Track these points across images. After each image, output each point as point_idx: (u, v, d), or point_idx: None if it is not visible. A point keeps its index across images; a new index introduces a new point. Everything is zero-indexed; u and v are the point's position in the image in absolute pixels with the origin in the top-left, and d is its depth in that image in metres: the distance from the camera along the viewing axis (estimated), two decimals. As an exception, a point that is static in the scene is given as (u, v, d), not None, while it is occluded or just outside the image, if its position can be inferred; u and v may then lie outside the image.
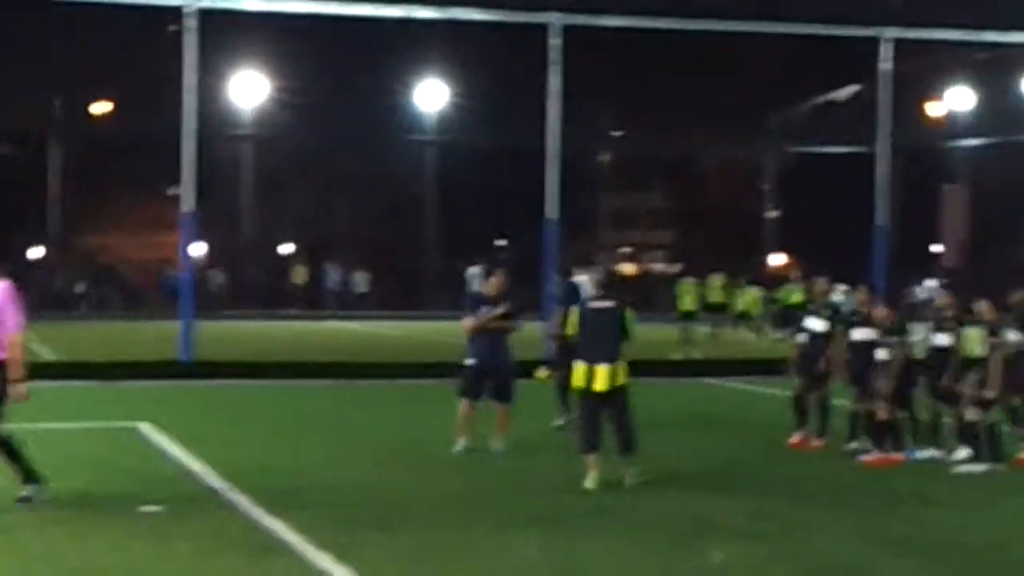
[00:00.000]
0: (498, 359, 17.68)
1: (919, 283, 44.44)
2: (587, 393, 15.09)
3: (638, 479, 14.99)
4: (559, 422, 19.27)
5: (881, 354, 17.09)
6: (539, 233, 33.23)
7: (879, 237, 34.57)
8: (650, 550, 11.85)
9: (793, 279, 41.94)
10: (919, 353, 17.37)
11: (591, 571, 11.12)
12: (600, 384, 14.95)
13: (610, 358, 15.04)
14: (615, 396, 15.11)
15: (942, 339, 17.38)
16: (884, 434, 16.97)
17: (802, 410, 18.42)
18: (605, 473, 14.90)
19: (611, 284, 16.81)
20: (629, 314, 15.36)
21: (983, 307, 16.96)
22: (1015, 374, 16.65)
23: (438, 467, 16.46)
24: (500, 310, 17.59)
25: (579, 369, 15.12)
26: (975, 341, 16.89)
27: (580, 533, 12.52)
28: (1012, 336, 16.79)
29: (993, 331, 16.71)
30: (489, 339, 17.65)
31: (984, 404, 16.52)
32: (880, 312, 17.37)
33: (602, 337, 15.16)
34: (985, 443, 16.52)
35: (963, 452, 16.83)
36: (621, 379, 15.08)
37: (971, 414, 16.65)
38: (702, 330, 42.02)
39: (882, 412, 16.93)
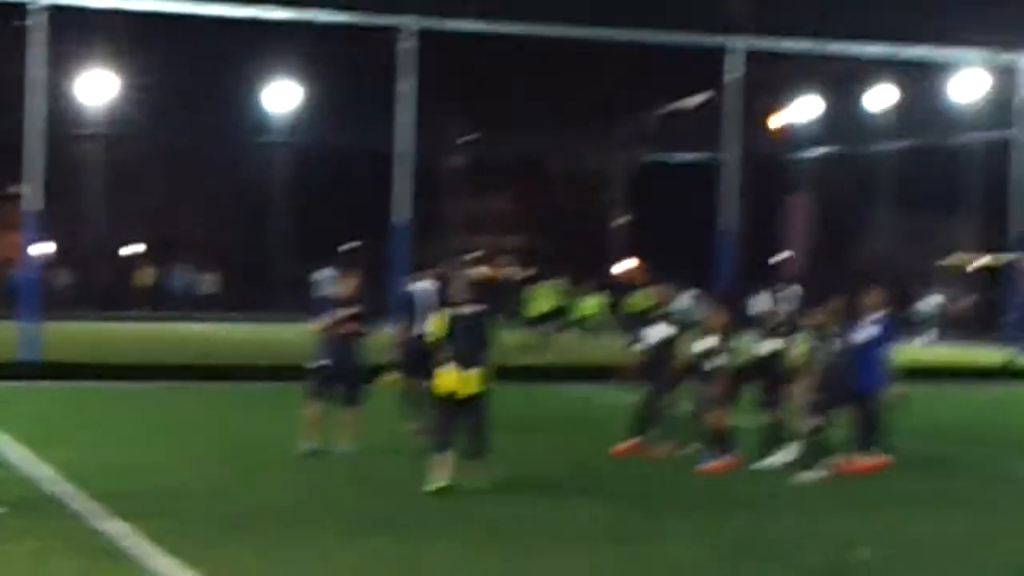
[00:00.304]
0: (348, 362, 17.67)
1: (760, 292, 45.12)
2: (450, 398, 15.13)
3: (485, 482, 15.06)
4: (413, 426, 19.06)
5: (715, 361, 17.33)
6: (387, 236, 33.23)
7: (726, 244, 35.04)
8: (500, 555, 11.91)
9: (640, 285, 42.28)
10: (747, 361, 17.69)
11: (444, 572, 11.15)
12: (469, 389, 15.04)
13: (478, 363, 15.12)
14: (477, 401, 15.19)
15: (768, 346, 17.73)
16: (719, 440, 17.20)
17: (643, 417, 18.45)
18: (455, 478, 14.95)
19: (480, 289, 16.85)
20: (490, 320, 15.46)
21: (815, 315, 17.26)
22: (835, 381, 16.95)
23: (286, 470, 16.41)
24: (349, 312, 17.60)
25: (450, 374, 15.13)
26: (802, 348, 17.21)
27: (431, 538, 12.55)
28: (836, 344, 17.08)
29: (821, 338, 17.00)
30: (340, 341, 17.65)
31: (810, 410, 16.80)
32: (713, 319, 17.61)
33: (473, 342, 15.22)
34: (812, 449, 16.78)
35: (786, 456, 17.14)
36: (483, 384, 15.19)
37: (797, 421, 16.96)
38: (550, 335, 42.21)
39: (714, 418, 17.18)
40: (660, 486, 16.02)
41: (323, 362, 17.71)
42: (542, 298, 41.89)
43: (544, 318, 42.81)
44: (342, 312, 17.66)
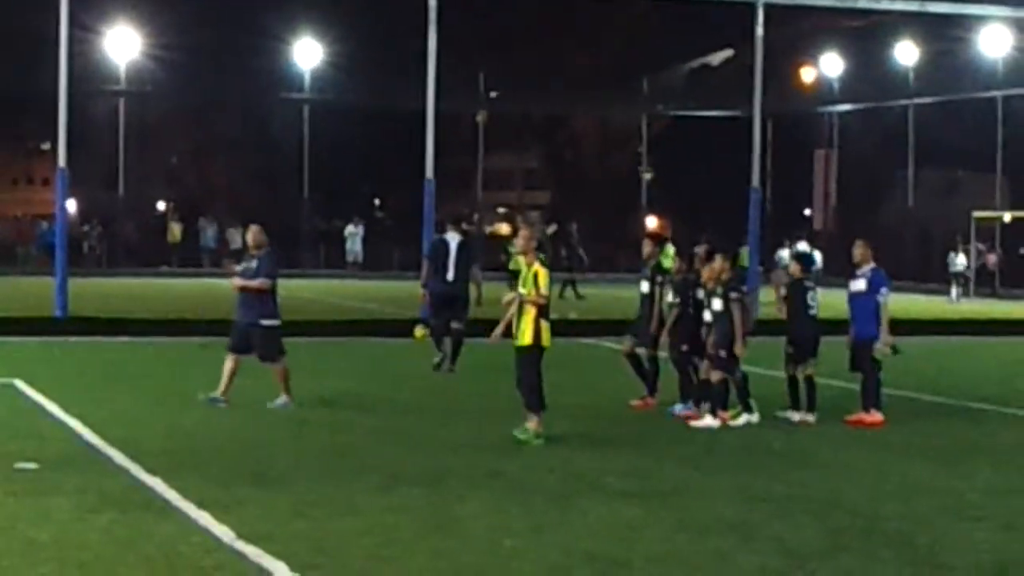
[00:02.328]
0: (247, 318, 17.52)
1: (789, 244, 45.14)
2: (542, 351, 15.45)
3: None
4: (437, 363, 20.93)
5: (708, 315, 17.54)
6: (415, 193, 33.25)
7: (754, 199, 34.98)
8: (529, 508, 11.99)
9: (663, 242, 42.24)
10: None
11: (473, 528, 11.23)
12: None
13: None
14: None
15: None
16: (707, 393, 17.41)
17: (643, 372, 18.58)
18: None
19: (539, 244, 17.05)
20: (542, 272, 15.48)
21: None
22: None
23: (319, 425, 16.49)
24: (241, 267, 17.51)
25: (547, 328, 15.39)
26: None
27: (463, 492, 12.62)
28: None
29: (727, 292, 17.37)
30: (242, 297, 17.53)
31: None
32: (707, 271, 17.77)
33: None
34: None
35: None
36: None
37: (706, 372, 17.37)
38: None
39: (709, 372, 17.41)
40: (692, 439, 16.08)
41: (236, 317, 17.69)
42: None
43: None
44: (236, 267, 17.59)
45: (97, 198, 67.67)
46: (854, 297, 18.03)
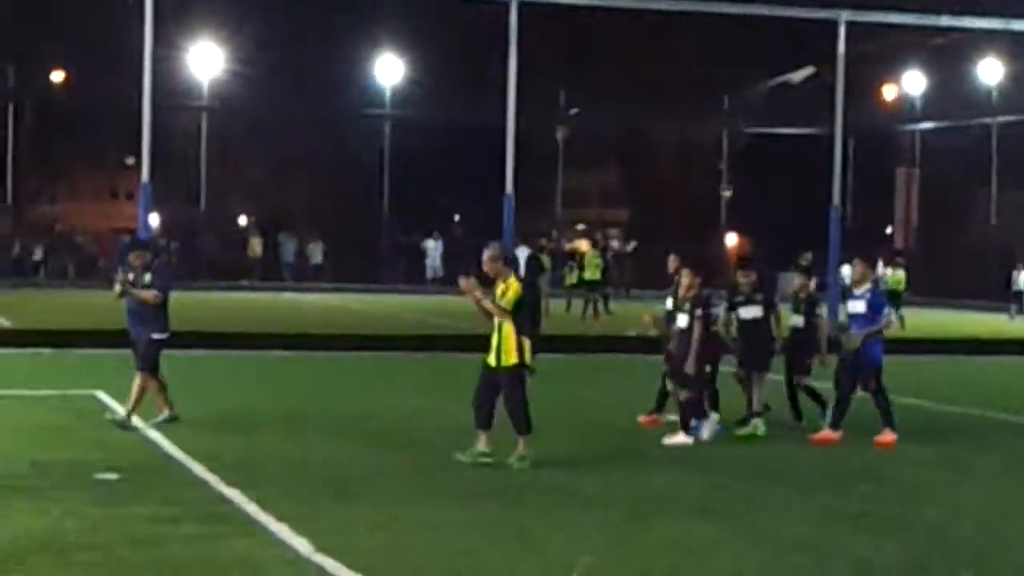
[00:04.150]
0: (136, 328, 17.17)
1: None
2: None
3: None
4: None
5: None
6: (494, 209, 33.33)
7: (834, 218, 34.81)
8: (606, 525, 11.99)
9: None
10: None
11: (549, 545, 11.23)
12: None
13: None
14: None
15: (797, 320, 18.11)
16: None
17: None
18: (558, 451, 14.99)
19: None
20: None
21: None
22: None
23: (398, 442, 16.52)
24: (131, 277, 16.99)
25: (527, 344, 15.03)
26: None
27: (537, 508, 12.65)
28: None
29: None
30: (135, 307, 17.11)
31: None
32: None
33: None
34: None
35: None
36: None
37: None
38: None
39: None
40: (764, 457, 16.00)
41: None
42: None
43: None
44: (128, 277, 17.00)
45: (179, 212, 68.28)
46: (854, 319, 17.34)
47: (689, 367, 16.69)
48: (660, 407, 18.08)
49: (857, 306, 17.28)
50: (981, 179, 66.09)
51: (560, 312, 39.24)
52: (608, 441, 16.75)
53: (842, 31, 34.95)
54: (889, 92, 70.58)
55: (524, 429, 14.84)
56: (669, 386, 17.34)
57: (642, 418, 18.19)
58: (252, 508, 12.15)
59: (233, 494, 12.73)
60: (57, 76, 68.84)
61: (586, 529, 11.78)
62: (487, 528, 11.72)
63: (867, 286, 17.51)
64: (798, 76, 69.81)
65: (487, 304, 14.78)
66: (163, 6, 31.12)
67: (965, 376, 28.15)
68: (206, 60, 64.93)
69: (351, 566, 10.18)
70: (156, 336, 17.06)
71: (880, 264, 44.45)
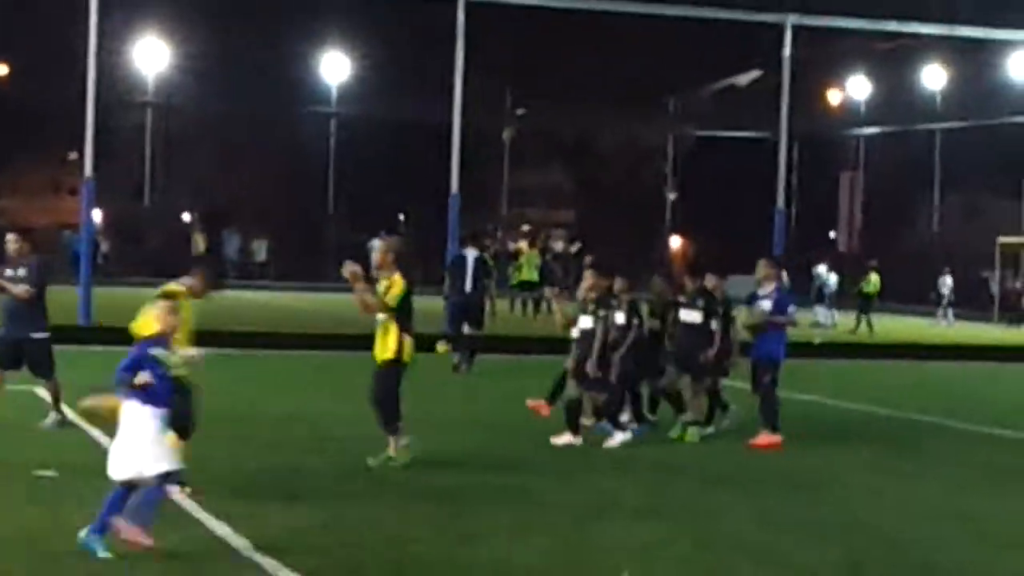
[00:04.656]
0: (16, 331, 16.55)
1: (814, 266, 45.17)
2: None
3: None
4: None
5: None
6: (440, 208, 33.24)
7: (778, 220, 34.88)
8: (554, 528, 11.96)
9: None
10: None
11: (495, 546, 11.18)
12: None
13: None
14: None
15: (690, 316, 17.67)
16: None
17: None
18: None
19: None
20: None
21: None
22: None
23: (338, 440, 16.40)
24: (7, 275, 16.41)
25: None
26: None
27: (485, 508, 12.63)
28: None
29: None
30: (12, 306, 16.51)
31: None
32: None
33: None
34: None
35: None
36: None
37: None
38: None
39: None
40: (712, 460, 15.98)
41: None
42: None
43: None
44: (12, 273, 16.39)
45: (123, 208, 67.84)
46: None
47: (590, 368, 16.53)
48: (554, 398, 17.61)
49: (763, 306, 17.28)
50: (924, 184, 66.53)
51: (504, 313, 39.25)
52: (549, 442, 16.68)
53: (788, 35, 35.01)
54: (834, 97, 70.98)
55: (390, 427, 14.49)
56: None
57: (531, 402, 17.81)
58: (191, 505, 12.05)
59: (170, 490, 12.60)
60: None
61: (530, 529, 11.75)
62: (430, 528, 11.66)
63: (772, 286, 17.47)
64: (744, 79, 70.08)
65: (367, 297, 14.45)
66: (108, 1, 30.87)
67: (910, 381, 28.28)
68: (151, 55, 64.55)
69: (289, 565, 10.13)
70: (37, 336, 16.44)
71: (823, 267, 44.72)
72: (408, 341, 14.46)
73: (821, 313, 43.78)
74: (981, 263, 56.08)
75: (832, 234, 69.53)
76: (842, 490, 14.49)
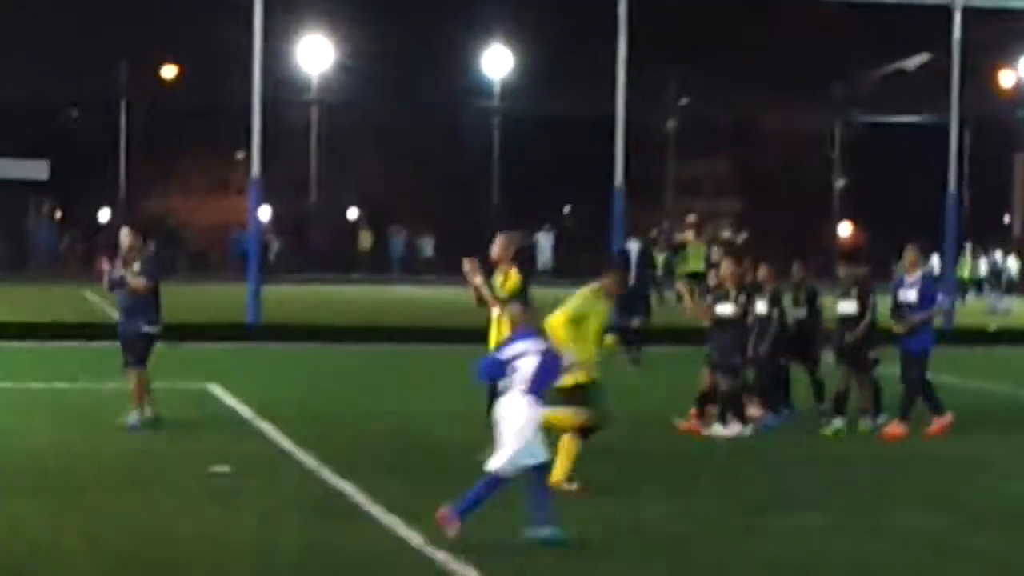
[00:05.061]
0: (124, 322, 16.45)
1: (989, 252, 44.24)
2: None
3: None
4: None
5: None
6: (604, 200, 33.11)
7: (951, 205, 34.16)
8: (727, 515, 11.82)
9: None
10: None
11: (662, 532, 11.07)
12: None
13: None
14: None
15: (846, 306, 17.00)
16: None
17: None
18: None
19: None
20: None
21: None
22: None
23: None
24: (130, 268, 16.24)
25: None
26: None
27: (655, 497, 12.48)
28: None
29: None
30: (127, 300, 16.38)
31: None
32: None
33: None
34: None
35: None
36: None
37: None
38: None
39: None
40: (877, 455, 15.70)
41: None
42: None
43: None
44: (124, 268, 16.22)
45: (289, 206, 68.64)
46: (907, 308, 16.70)
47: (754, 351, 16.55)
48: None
49: (908, 295, 16.76)
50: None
51: (672, 303, 39.01)
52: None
53: (958, 17, 34.32)
54: (1006, 78, 69.46)
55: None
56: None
57: (683, 424, 16.85)
58: (364, 499, 12.12)
59: (344, 485, 12.69)
60: (168, 72, 69.46)
61: (697, 518, 11.56)
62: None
63: (918, 273, 16.99)
64: (912, 63, 68.90)
65: (485, 291, 14.38)
66: (272, 0, 31.18)
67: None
68: (315, 54, 65.23)
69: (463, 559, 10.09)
70: (146, 329, 16.29)
71: (999, 253, 43.76)
72: None
73: (997, 299, 42.88)
74: None
75: (1007, 219, 68.14)
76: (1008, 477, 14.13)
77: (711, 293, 16.99)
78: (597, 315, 13.00)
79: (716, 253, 17.57)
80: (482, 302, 14.44)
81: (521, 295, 14.09)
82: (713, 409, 16.51)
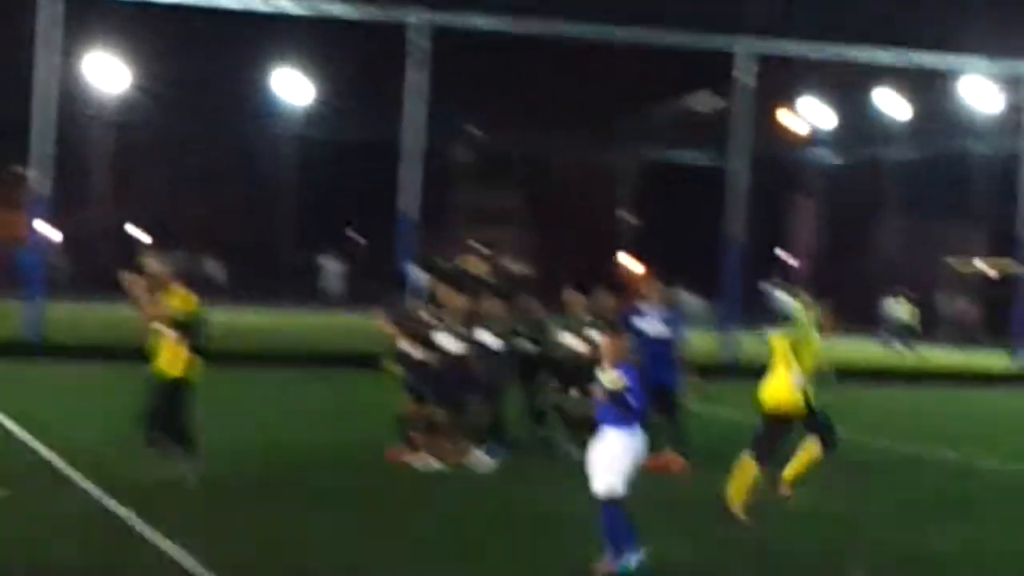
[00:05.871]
0: None
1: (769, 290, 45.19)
2: None
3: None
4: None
5: None
6: (391, 228, 33.34)
7: (732, 247, 34.91)
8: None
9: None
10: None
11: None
12: None
13: None
14: None
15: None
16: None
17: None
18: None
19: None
20: None
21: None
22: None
23: (266, 452, 16.31)
24: None
25: None
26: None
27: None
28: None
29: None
30: None
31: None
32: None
33: None
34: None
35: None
36: None
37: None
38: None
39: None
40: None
41: None
42: None
43: None
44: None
45: (73, 225, 67.37)
46: (651, 342, 16.50)
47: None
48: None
49: (656, 327, 16.82)
50: (879, 209, 66.75)
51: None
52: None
53: (744, 61, 35.10)
54: (790, 121, 71.08)
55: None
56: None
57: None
58: (141, 523, 11.99)
59: (123, 510, 12.52)
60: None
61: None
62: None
63: (665, 307, 17.01)
64: (706, 103, 70.16)
65: (148, 306, 14.41)
66: (65, 17, 30.76)
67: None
68: (107, 73, 64.27)
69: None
70: None
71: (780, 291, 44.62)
72: (194, 359, 14.35)
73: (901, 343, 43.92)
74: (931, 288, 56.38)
75: (790, 259, 69.61)
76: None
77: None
78: None
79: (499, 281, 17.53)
80: (148, 316, 14.30)
81: (193, 316, 14.15)
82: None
